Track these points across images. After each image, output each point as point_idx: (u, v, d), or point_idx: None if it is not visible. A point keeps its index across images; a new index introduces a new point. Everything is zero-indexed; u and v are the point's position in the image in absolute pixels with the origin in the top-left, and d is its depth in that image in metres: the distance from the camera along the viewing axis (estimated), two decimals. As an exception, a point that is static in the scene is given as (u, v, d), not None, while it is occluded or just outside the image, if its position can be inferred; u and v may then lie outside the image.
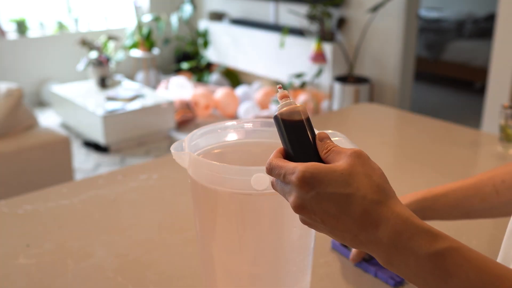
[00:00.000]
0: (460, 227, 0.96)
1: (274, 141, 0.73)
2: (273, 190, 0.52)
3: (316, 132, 0.53)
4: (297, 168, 0.48)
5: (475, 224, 0.97)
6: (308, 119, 0.52)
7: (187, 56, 5.64)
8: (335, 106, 4.00)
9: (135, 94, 4.14)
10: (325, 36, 4.15)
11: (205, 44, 5.39)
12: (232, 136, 0.73)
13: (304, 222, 0.50)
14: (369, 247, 0.47)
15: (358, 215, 0.46)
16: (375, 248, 0.46)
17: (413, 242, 0.45)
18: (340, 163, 0.48)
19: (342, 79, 4.01)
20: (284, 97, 0.53)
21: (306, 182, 0.47)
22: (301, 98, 4.08)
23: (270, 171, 0.51)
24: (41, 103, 5.03)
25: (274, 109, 4.21)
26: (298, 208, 0.48)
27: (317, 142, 0.52)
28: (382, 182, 0.48)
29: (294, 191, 0.48)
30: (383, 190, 0.47)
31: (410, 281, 0.46)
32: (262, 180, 0.58)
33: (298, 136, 0.52)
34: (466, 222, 0.96)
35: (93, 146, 3.90)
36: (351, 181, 0.46)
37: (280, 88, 0.54)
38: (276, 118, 0.53)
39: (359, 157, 0.48)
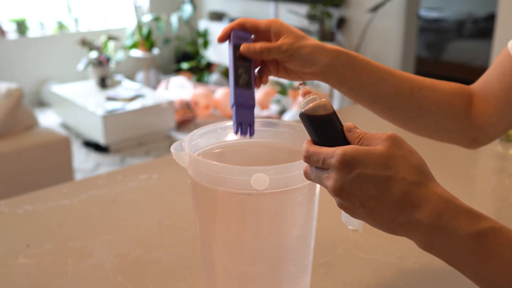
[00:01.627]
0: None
1: (274, 141, 0.73)
2: (273, 190, 0.52)
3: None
4: (336, 151, 0.48)
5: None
6: (334, 112, 0.53)
7: (187, 56, 5.64)
8: (335, 106, 4.00)
9: (135, 94, 4.14)
10: (325, 36, 4.15)
11: (205, 44, 5.39)
12: (232, 136, 0.73)
13: (341, 206, 0.49)
14: (409, 230, 0.46)
15: (398, 197, 0.46)
16: (415, 230, 0.46)
17: (455, 222, 0.44)
18: (378, 146, 0.48)
19: (342, 79, 4.00)
20: (307, 93, 0.54)
21: (347, 164, 0.47)
22: (301, 98, 4.08)
23: (308, 158, 0.51)
24: (41, 103, 5.03)
25: (274, 109, 4.21)
26: (338, 191, 0.48)
27: (346, 134, 0.51)
28: (420, 164, 0.48)
29: (334, 174, 0.48)
30: (422, 171, 0.47)
31: (450, 263, 0.46)
32: (262, 180, 0.58)
33: (328, 130, 0.52)
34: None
35: (93, 146, 3.90)
36: (390, 164, 0.46)
37: (301, 85, 0.54)
38: (303, 115, 0.53)
39: (395, 140, 0.48)
